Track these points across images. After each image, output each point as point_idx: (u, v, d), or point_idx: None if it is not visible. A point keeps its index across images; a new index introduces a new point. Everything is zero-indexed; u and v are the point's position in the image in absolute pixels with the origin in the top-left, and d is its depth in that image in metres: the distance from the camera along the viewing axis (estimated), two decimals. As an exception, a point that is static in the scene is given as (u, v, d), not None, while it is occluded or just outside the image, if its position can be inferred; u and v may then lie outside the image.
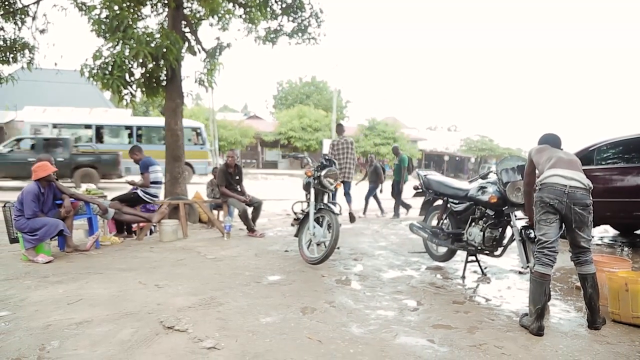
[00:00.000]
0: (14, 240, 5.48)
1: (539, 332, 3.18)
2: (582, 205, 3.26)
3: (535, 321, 3.20)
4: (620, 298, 3.48)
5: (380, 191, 10.74)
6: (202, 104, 38.12)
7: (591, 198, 3.33)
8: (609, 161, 6.42)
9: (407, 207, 10.68)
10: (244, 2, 8.89)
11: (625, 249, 6.48)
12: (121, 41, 6.79)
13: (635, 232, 7.82)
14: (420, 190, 5.68)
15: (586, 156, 6.47)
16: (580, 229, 3.32)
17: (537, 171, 3.59)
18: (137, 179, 7.04)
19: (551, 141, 3.67)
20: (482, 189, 4.63)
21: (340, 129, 8.94)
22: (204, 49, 8.66)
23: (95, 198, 6.31)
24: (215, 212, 8.06)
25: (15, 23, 8.32)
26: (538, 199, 3.38)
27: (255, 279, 4.49)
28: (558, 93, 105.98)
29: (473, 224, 4.73)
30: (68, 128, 18.41)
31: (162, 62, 7.18)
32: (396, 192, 10.35)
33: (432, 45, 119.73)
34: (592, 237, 3.60)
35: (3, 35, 8.44)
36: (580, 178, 3.30)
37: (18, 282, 4.23)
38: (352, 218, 8.51)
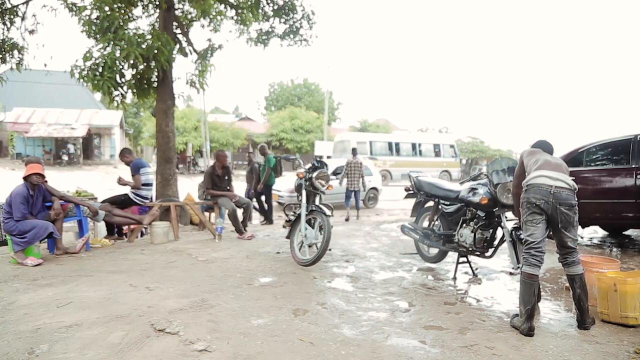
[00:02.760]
0: (2, 242, 5.42)
1: (529, 332, 3.20)
2: (568, 205, 3.31)
3: (526, 322, 3.23)
4: (609, 298, 3.51)
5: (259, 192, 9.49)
6: (194, 105, 37.94)
7: (576, 199, 3.38)
8: (598, 163, 6.48)
9: (259, 210, 9.46)
10: (235, 4, 8.89)
11: (614, 249, 6.57)
12: (112, 42, 6.76)
13: (623, 232, 7.90)
14: (412, 192, 5.70)
15: (575, 158, 6.54)
16: (567, 229, 3.36)
17: (526, 173, 3.64)
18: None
19: (543, 147, 3.74)
20: (473, 190, 4.65)
21: (354, 152, 10.88)
22: (195, 51, 8.65)
23: (86, 200, 6.27)
24: (206, 214, 8.03)
25: (4, 23, 8.23)
26: (525, 199, 3.42)
27: (247, 281, 4.48)
28: (549, 94, 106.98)
29: (464, 225, 4.75)
30: (379, 144, 23.14)
31: (153, 63, 7.15)
32: (261, 193, 9.30)
33: (423, 47, 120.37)
34: (582, 237, 3.64)
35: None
36: (565, 179, 3.35)
37: (6, 285, 4.18)
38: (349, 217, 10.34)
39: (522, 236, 3.85)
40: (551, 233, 3.47)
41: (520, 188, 3.66)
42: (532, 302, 3.25)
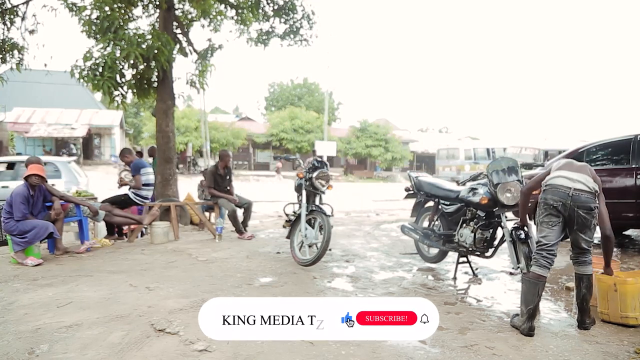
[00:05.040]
0: (2, 242, 5.42)
1: (529, 332, 3.20)
2: (587, 208, 3.22)
3: (527, 321, 3.22)
4: (609, 298, 3.51)
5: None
6: (194, 105, 37.93)
7: (597, 201, 3.28)
8: (598, 163, 6.47)
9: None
10: (235, 4, 8.88)
11: (614, 249, 6.55)
12: (112, 42, 6.75)
13: (623, 232, 7.89)
14: (412, 192, 5.69)
15: (575, 158, 6.50)
16: (582, 231, 3.30)
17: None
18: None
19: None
20: (472, 190, 4.64)
21: (314, 153, 12.04)
22: (195, 51, 8.64)
23: (86, 200, 6.27)
24: (207, 213, 8.03)
25: (4, 23, 8.22)
26: (542, 200, 3.35)
27: (247, 281, 4.48)
28: (549, 94, 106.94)
29: (464, 225, 4.74)
30: (480, 150, 25.56)
31: (153, 63, 7.14)
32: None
33: (423, 47, 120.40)
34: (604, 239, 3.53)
35: (-8, 36, 8.35)
36: (585, 181, 3.25)
37: (7, 285, 4.19)
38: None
39: (523, 236, 3.85)
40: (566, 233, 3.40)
41: (530, 189, 3.61)
42: (534, 302, 3.23)
